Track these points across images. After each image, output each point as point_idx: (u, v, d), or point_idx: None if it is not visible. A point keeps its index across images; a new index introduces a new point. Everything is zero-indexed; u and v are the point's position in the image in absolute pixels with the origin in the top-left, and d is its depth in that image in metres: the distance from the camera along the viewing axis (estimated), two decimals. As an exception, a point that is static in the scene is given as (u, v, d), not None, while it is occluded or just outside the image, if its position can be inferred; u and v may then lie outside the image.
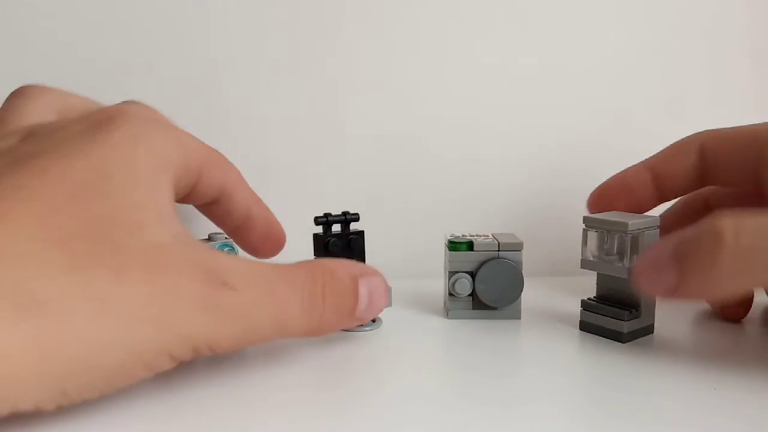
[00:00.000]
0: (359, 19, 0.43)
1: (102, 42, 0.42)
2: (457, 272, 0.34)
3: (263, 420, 0.23)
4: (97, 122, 0.24)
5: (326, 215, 0.33)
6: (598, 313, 0.32)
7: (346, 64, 0.44)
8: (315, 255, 0.32)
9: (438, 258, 0.37)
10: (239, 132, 0.43)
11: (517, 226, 0.44)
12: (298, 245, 0.43)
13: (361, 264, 0.29)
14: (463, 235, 0.35)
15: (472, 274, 0.33)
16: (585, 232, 0.32)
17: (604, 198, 0.35)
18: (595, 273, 0.32)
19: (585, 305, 0.32)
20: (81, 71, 0.42)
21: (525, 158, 0.45)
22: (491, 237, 0.34)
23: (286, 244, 0.34)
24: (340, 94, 0.44)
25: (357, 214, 0.33)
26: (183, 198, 0.29)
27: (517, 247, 0.33)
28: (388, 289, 0.29)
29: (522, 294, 0.34)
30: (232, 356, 0.29)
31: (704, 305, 0.36)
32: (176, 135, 0.26)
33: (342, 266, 0.27)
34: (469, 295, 0.34)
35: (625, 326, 0.30)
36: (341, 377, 0.27)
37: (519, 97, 0.45)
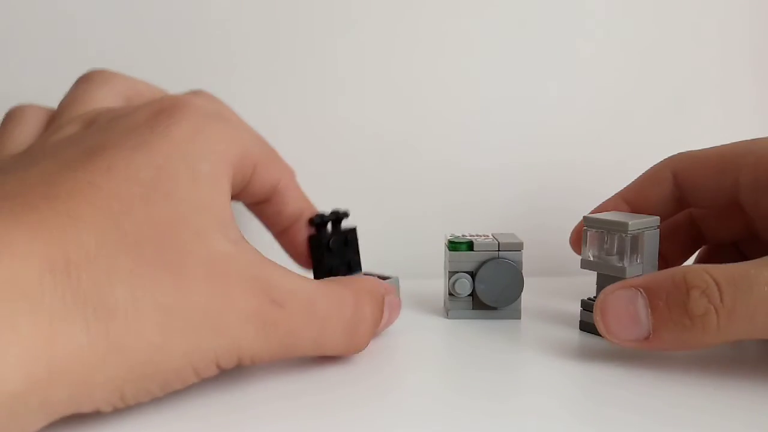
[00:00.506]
0: (362, 20, 0.43)
1: (105, 40, 0.42)
2: (457, 272, 0.34)
3: (263, 420, 0.23)
4: (158, 113, 0.24)
5: (320, 216, 0.32)
6: None
7: (347, 65, 0.44)
8: (314, 257, 0.32)
9: (438, 258, 0.37)
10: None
11: (517, 226, 0.44)
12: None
13: (383, 282, 0.30)
14: (463, 235, 0.35)
15: (472, 274, 0.33)
16: (585, 232, 0.32)
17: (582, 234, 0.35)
18: (595, 273, 0.32)
19: (585, 305, 0.32)
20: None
21: (525, 158, 0.46)
22: (491, 237, 0.34)
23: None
24: (341, 95, 0.44)
25: (346, 210, 0.33)
26: (235, 195, 0.29)
27: (517, 247, 0.33)
28: (399, 305, 0.31)
29: (522, 294, 0.34)
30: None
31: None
32: (235, 130, 0.26)
33: (375, 286, 0.28)
34: (469, 295, 0.34)
35: None
36: (341, 377, 0.27)
37: (519, 97, 0.45)
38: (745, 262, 0.24)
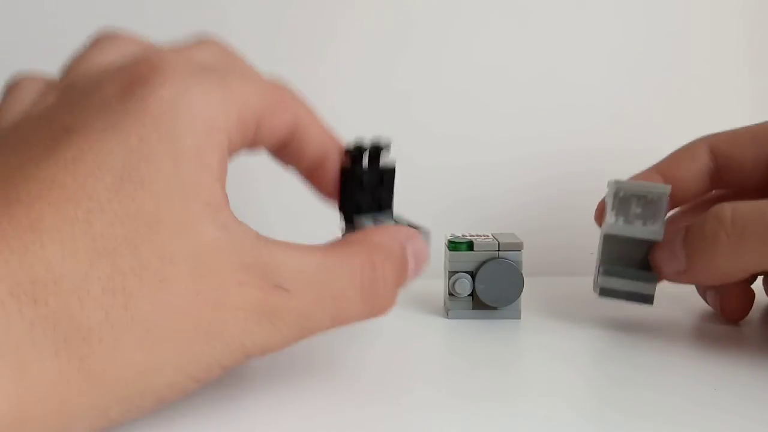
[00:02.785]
0: (354, 19, 0.43)
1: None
2: (457, 272, 0.34)
3: (264, 419, 0.23)
4: (133, 81, 0.21)
5: (358, 147, 0.29)
6: (624, 278, 0.31)
7: (345, 64, 0.44)
8: (344, 191, 0.29)
9: (438, 258, 0.37)
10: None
11: (518, 226, 0.44)
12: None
13: (404, 227, 0.26)
14: (463, 235, 0.35)
15: (472, 274, 0.33)
16: (615, 197, 0.31)
17: None
18: (593, 264, 0.32)
19: (607, 271, 0.31)
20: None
21: (525, 158, 0.45)
22: (491, 237, 0.34)
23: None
24: (340, 94, 0.44)
25: (388, 142, 0.30)
26: (247, 148, 0.25)
27: (517, 247, 0.33)
28: (428, 246, 0.27)
29: (522, 294, 0.34)
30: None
31: (705, 304, 0.36)
32: (226, 87, 0.22)
33: (392, 237, 0.25)
34: (469, 295, 0.34)
35: (656, 288, 0.31)
36: (341, 378, 0.27)
37: (519, 97, 0.45)
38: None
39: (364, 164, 0.29)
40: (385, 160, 0.30)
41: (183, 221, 0.20)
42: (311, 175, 0.29)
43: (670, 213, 0.36)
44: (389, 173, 0.31)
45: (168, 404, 0.21)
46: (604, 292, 0.32)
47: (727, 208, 0.27)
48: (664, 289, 0.35)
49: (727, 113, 0.46)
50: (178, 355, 0.19)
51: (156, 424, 0.22)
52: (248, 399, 0.25)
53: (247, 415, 0.23)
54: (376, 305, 0.24)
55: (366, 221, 0.29)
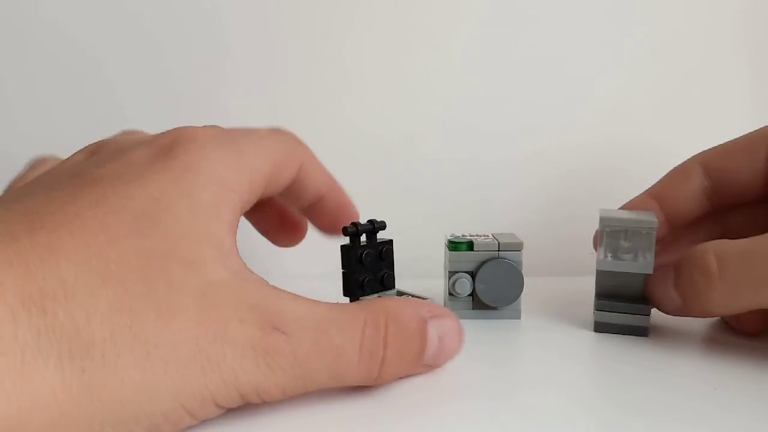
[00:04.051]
0: (363, 17, 0.43)
1: (105, 41, 0.42)
2: (457, 272, 0.34)
3: (264, 420, 0.23)
4: (162, 147, 0.23)
5: (355, 225, 0.31)
6: (617, 312, 0.31)
7: (344, 63, 0.44)
8: (344, 269, 0.31)
9: (438, 258, 0.37)
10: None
11: (517, 226, 0.44)
12: (300, 245, 0.43)
13: (430, 304, 0.26)
14: (463, 235, 0.35)
15: (472, 274, 0.33)
16: (603, 232, 0.31)
17: None
18: (593, 273, 0.32)
19: (600, 306, 0.32)
20: (84, 73, 0.42)
21: (526, 159, 0.45)
22: (491, 237, 0.34)
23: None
24: (340, 93, 0.44)
25: (383, 221, 0.32)
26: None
27: (517, 247, 0.33)
28: (462, 331, 0.26)
29: (522, 294, 0.34)
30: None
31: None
32: (240, 156, 0.25)
33: (409, 308, 0.25)
34: (469, 295, 0.34)
35: (650, 320, 0.31)
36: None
37: (520, 98, 0.45)
38: (751, 238, 0.27)
39: (362, 241, 0.31)
40: (381, 237, 0.32)
41: (194, 260, 0.21)
42: (311, 211, 0.31)
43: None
44: (388, 246, 0.32)
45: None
46: (599, 327, 0.32)
47: (711, 257, 0.27)
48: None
49: (727, 112, 0.46)
50: (175, 382, 0.20)
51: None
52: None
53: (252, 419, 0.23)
54: (373, 370, 0.23)
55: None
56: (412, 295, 0.31)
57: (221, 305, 0.21)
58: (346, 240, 0.31)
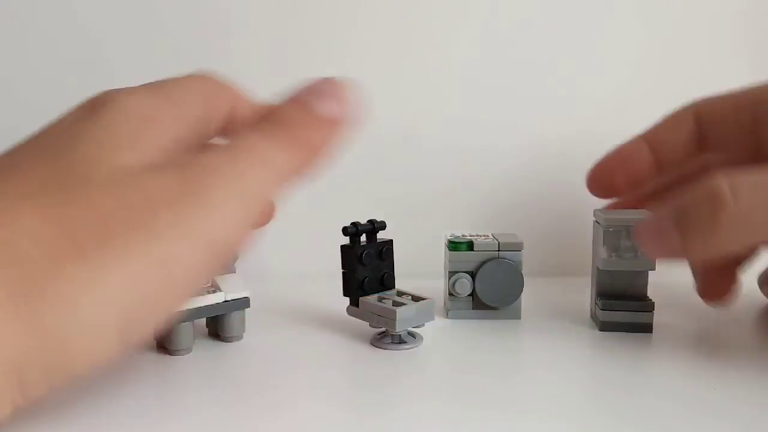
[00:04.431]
0: (362, 12, 0.43)
1: (101, 38, 0.42)
2: (457, 272, 0.34)
3: (265, 419, 0.23)
4: (87, 105, 0.24)
5: (355, 224, 0.31)
6: (622, 310, 0.32)
7: (344, 61, 0.44)
8: (344, 268, 0.31)
9: (438, 258, 0.37)
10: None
11: (518, 226, 0.44)
12: (300, 245, 0.43)
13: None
14: (463, 235, 0.35)
15: (472, 274, 0.33)
16: (603, 233, 0.31)
17: (601, 173, 0.35)
18: (590, 273, 0.32)
19: (606, 305, 0.32)
20: (80, 68, 0.42)
21: (526, 159, 0.45)
22: (491, 237, 0.34)
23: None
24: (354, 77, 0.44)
25: (383, 221, 0.32)
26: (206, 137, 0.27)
27: (517, 247, 0.33)
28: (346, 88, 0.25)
29: (522, 294, 0.34)
30: (230, 367, 0.29)
31: (705, 305, 0.36)
32: (164, 97, 0.24)
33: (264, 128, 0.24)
34: (469, 295, 0.34)
35: (654, 317, 0.31)
36: (341, 377, 0.27)
37: (519, 97, 0.45)
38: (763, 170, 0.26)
39: (362, 241, 0.31)
40: (381, 237, 0.32)
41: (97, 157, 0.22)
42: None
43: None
44: (388, 246, 0.32)
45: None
46: (605, 326, 0.32)
47: (724, 185, 0.25)
48: (663, 289, 0.35)
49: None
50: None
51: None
52: (242, 393, 0.25)
53: (242, 412, 0.23)
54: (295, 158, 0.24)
55: (371, 301, 0.30)
56: (412, 296, 0.31)
57: (132, 183, 0.21)
58: (346, 240, 0.31)
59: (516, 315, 0.34)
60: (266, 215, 0.28)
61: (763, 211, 0.25)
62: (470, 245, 0.33)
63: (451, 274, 0.34)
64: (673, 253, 0.27)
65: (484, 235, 0.35)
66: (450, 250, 0.34)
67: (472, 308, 0.34)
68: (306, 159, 0.24)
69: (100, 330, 0.20)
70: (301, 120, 0.24)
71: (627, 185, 0.34)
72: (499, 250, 0.33)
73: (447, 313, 0.34)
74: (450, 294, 0.34)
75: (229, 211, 0.22)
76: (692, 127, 0.33)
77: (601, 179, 0.34)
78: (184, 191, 0.21)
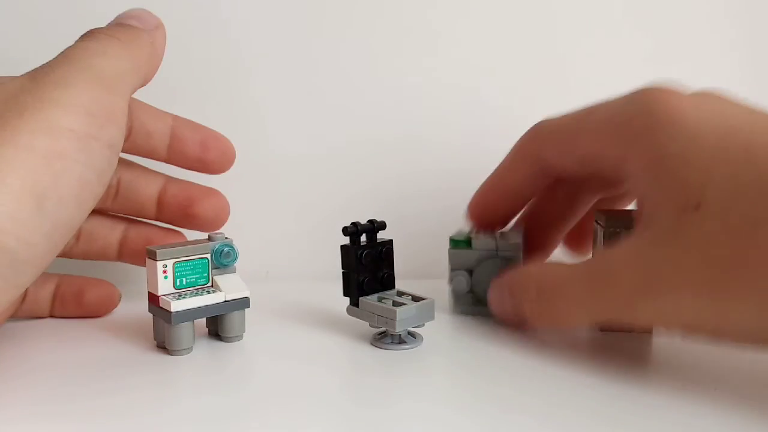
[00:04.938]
0: (360, 15, 0.43)
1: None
2: (456, 270, 0.34)
3: (265, 419, 0.23)
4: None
5: (355, 224, 0.31)
6: None
7: (344, 62, 0.44)
8: (344, 269, 0.31)
9: (438, 258, 0.37)
10: (241, 131, 0.43)
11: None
12: (300, 245, 0.44)
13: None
14: (466, 233, 0.35)
15: (470, 272, 0.34)
16: (605, 233, 0.31)
17: (474, 218, 0.36)
18: None
19: None
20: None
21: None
22: (495, 235, 0.34)
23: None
24: (341, 94, 0.44)
25: (383, 221, 0.32)
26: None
27: (516, 248, 0.33)
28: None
29: None
30: (230, 367, 0.29)
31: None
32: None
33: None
34: (469, 292, 0.34)
35: None
36: (341, 377, 0.27)
37: (521, 98, 0.45)
38: (560, 266, 0.30)
39: (362, 241, 0.31)
40: (381, 237, 0.32)
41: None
42: (171, 155, 0.34)
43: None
44: (388, 246, 0.32)
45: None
46: (606, 327, 0.32)
47: (532, 285, 0.30)
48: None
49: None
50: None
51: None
52: (237, 387, 0.25)
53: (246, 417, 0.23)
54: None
55: (371, 301, 0.30)
56: (413, 296, 0.31)
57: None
58: (346, 240, 0.31)
59: None
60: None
61: (568, 300, 0.28)
62: (469, 243, 0.33)
63: (451, 271, 0.34)
64: (510, 319, 0.31)
65: (489, 233, 0.35)
66: (451, 247, 0.34)
67: (473, 304, 0.34)
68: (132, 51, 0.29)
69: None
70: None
71: (501, 223, 0.36)
72: (497, 249, 0.33)
73: (452, 310, 0.35)
74: (451, 292, 0.34)
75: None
76: (528, 169, 0.33)
77: (479, 215, 0.36)
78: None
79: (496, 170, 0.35)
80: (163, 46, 0.31)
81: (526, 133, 0.33)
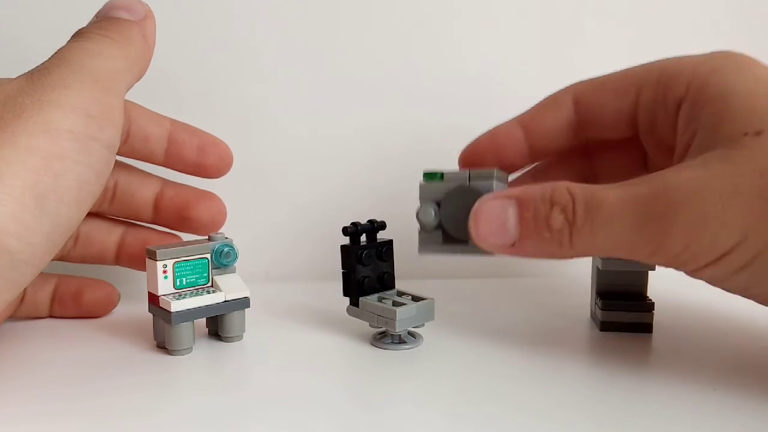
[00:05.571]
0: (356, 12, 0.43)
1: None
2: (424, 201, 0.30)
3: (265, 419, 0.23)
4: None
5: (355, 224, 0.31)
6: (622, 310, 0.32)
7: (343, 63, 0.43)
8: (344, 269, 0.31)
9: (438, 257, 0.37)
10: (235, 132, 0.43)
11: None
12: (300, 245, 0.43)
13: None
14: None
15: (439, 204, 0.30)
16: None
17: (473, 156, 0.33)
18: (589, 274, 0.32)
19: (606, 305, 0.32)
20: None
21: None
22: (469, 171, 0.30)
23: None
24: (341, 94, 0.44)
25: (383, 221, 0.31)
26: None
27: (488, 176, 0.29)
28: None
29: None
30: (230, 367, 0.29)
31: (704, 305, 0.36)
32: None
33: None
34: (438, 226, 0.30)
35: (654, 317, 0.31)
36: (341, 377, 0.27)
37: (522, 98, 0.45)
38: (602, 185, 0.25)
39: (362, 241, 0.31)
40: (381, 237, 0.32)
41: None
42: (169, 158, 0.34)
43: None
44: (388, 246, 0.32)
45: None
46: (605, 326, 0.32)
47: (569, 198, 0.25)
48: (663, 289, 0.35)
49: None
50: None
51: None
52: (237, 386, 0.25)
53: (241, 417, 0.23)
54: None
55: (371, 301, 0.30)
56: (413, 296, 0.31)
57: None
58: (346, 240, 0.31)
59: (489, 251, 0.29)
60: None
61: (605, 225, 0.25)
62: (441, 176, 0.30)
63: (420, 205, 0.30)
64: (504, 249, 0.27)
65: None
66: (423, 180, 0.30)
67: (443, 242, 0.30)
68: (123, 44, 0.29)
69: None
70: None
71: (499, 169, 0.30)
72: (469, 179, 0.29)
73: (418, 250, 0.30)
74: (420, 228, 0.30)
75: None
76: (569, 113, 0.31)
77: (471, 162, 0.33)
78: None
79: (517, 117, 0.32)
80: (153, 35, 0.31)
81: (565, 87, 0.31)
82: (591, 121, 0.30)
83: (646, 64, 0.29)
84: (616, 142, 0.31)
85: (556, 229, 0.25)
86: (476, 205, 0.27)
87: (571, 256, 0.26)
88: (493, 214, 0.27)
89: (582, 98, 0.31)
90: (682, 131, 0.27)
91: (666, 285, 0.34)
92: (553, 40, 0.45)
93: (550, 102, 0.31)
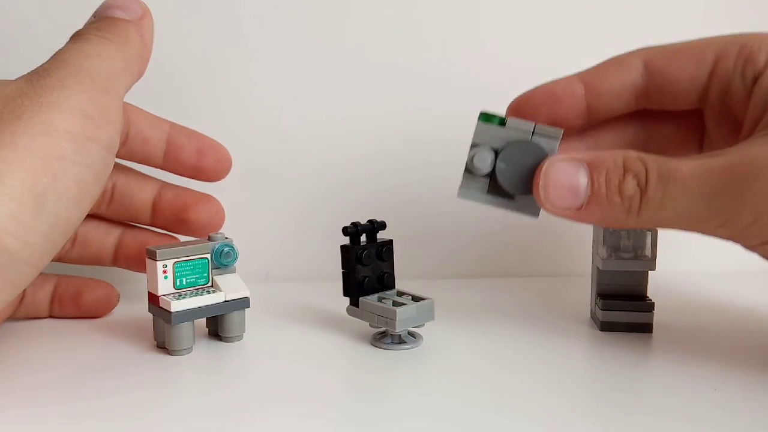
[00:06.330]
0: (357, 12, 0.43)
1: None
2: (480, 145, 0.29)
3: (265, 419, 0.23)
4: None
5: (355, 225, 0.31)
6: (622, 310, 0.32)
7: (343, 61, 0.43)
8: (344, 269, 0.31)
9: (438, 258, 0.37)
10: (241, 131, 0.43)
11: (519, 225, 0.44)
12: (300, 245, 0.43)
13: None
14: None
15: (497, 152, 0.29)
16: (605, 231, 0.31)
17: (525, 107, 0.31)
18: (589, 274, 0.32)
19: (606, 305, 0.32)
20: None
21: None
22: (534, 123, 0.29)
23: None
24: (341, 94, 0.44)
25: (383, 221, 0.32)
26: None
27: (555, 135, 0.28)
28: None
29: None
30: (230, 367, 0.29)
31: (703, 305, 0.36)
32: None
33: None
34: (487, 175, 0.29)
35: (654, 317, 0.31)
36: (341, 377, 0.27)
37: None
38: (676, 158, 0.25)
39: (362, 241, 0.31)
40: (381, 237, 0.32)
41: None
42: (168, 161, 0.35)
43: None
44: (388, 246, 0.32)
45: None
46: (605, 326, 0.32)
47: (641, 167, 0.25)
48: (663, 289, 0.35)
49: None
50: None
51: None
52: (243, 393, 0.25)
53: (245, 410, 0.23)
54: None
55: (371, 301, 0.30)
56: (413, 296, 0.31)
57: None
58: (346, 240, 0.31)
59: (533, 212, 0.28)
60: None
61: (680, 197, 0.25)
62: (503, 121, 0.29)
63: (474, 146, 0.29)
64: (569, 212, 0.26)
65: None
66: (480, 121, 0.29)
67: (487, 192, 0.29)
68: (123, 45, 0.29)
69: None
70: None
71: (551, 125, 0.29)
72: (534, 132, 0.28)
73: (458, 192, 0.30)
74: (467, 170, 0.29)
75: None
76: (637, 76, 0.29)
77: (522, 113, 0.30)
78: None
79: (579, 73, 0.30)
80: (151, 35, 0.31)
81: (634, 49, 0.30)
82: (661, 86, 0.29)
83: (725, 35, 0.29)
84: (675, 115, 0.30)
85: (627, 195, 0.25)
86: (546, 165, 0.26)
87: (635, 226, 0.26)
88: (564, 175, 0.26)
89: (654, 62, 0.29)
90: (754, 105, 0.27)
91: (666, 285, 0.34)
92: (563, 29, 0.45)
93: (617, 62, 0.30)
